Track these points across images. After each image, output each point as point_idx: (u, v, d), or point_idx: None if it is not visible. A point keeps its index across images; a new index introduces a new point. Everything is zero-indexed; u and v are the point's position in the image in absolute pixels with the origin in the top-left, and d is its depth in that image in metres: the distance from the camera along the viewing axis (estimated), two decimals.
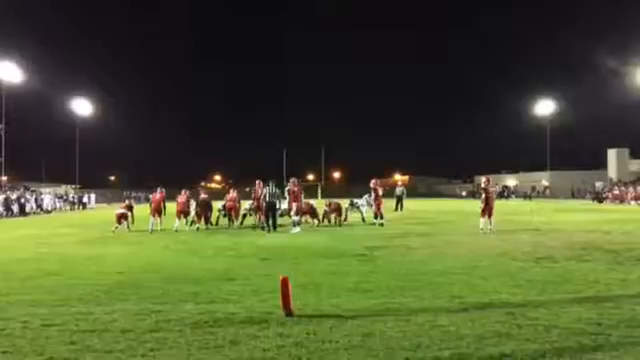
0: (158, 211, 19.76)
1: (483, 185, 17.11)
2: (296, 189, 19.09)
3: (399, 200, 32.63)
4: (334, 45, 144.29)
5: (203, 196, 20.94)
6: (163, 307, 6.64)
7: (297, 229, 17.88)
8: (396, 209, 31.70)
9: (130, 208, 20.76)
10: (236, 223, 20.81)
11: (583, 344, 4.97)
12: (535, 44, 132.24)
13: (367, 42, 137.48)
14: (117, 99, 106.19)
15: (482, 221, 16.62)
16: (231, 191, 22.29)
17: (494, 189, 17.65)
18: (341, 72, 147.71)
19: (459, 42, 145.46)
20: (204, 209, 20.47)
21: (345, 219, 21.39)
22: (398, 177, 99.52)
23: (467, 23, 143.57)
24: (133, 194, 72.39)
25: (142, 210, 26.08)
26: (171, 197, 21.46)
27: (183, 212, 20.02)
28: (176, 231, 18.77)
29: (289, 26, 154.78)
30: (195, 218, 20.38)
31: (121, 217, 19.59)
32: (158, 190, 20.52)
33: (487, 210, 16.64)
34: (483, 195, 16.83)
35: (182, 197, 20.25)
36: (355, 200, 22.91)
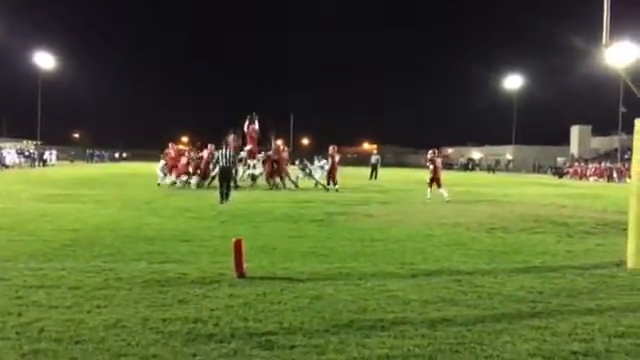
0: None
1: (430, 156, 17.62)
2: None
3: (374, 168, 33.03)
4: (300, 13, 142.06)
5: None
6: (115, 265, 6.61)
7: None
8: (371, 177, 32.09)
9: None
10: (205, 182, 20.97)
11: (522, 311, 5.15)
12: (505, 20, 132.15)
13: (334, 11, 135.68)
14: (83, 53, 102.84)
15: (429, 191, 17.28)
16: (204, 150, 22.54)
17: (440, 160, 18.36)
18: (309, 40, 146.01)
19: (429, 13, 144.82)
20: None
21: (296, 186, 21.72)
22: (367, 146, 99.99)
23: None
24: (97, 153, 71.18)
25: (102, 169, 25.69)
26: (139, 158, 21.70)
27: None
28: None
29: None
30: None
31: None
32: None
33: (435, 180, 17.15)
34: (431, 166, 17.33)
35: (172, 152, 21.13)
36: (308, 166, 22.80)
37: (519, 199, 19.13)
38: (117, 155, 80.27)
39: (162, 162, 22.09)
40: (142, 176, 26.90)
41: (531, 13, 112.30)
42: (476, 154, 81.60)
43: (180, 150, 21.53)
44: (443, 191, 17.03)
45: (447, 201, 16.53)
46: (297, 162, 22.78)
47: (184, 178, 20.94)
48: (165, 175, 21.57)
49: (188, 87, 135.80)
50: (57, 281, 5.80)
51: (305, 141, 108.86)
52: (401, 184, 27.92)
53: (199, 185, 20.74)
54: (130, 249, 7.76)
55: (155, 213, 12.30)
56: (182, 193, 18.45)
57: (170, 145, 21.42)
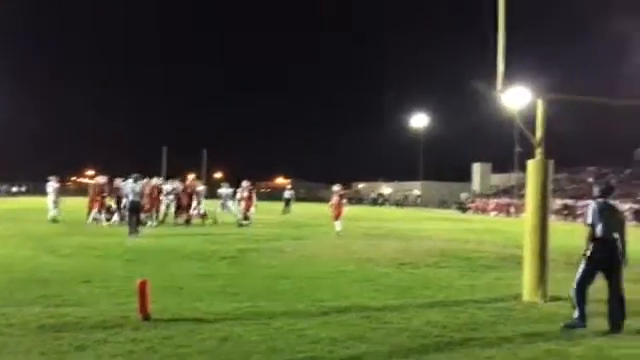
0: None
1: (341, 192, 18.35)
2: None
3: (287, 203, 33.06)
4: (208, 45, 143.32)
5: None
6: (6, 310, 6.13)
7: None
8: (284, 212, 32.01)
9: None
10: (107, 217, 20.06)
11: (427, 345, 5.30)
12: (413, 60, 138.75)
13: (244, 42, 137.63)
14: None
15: (337, 223, 17.84)
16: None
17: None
18: (219, 72, 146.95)
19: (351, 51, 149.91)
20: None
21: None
22: (281, 180, 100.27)
23: (364, 32, 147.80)
24: None
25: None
26: (39, 192, 20.29)
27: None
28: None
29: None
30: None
31: None
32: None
33: (337, 214, 18.05)
34: (336, 199, 18.15)
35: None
36: (228, 201, 22.23)
37: (426, 234, 19.80)
38: (15, 189, 75.34)
39: (51, 188, 20.77)
40: (42, 211, 25.38)
41: (436, 54, 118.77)
42: (386, 189, 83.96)
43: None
44: (338, 223, 17.72)
45: (337, 232, 17.39)
46: (222, 189, 22.10)
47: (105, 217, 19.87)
48: (56, 207, 20.16)
49: (93, 119, 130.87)
50: None
51: (218, 175, 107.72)
52: (314, 219, 28.07)
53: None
54: (23, 292, 7.24)
55: (53, 252, 11.58)
56: (88, 230, 17.50)
57: (99, 178, 20.56)
